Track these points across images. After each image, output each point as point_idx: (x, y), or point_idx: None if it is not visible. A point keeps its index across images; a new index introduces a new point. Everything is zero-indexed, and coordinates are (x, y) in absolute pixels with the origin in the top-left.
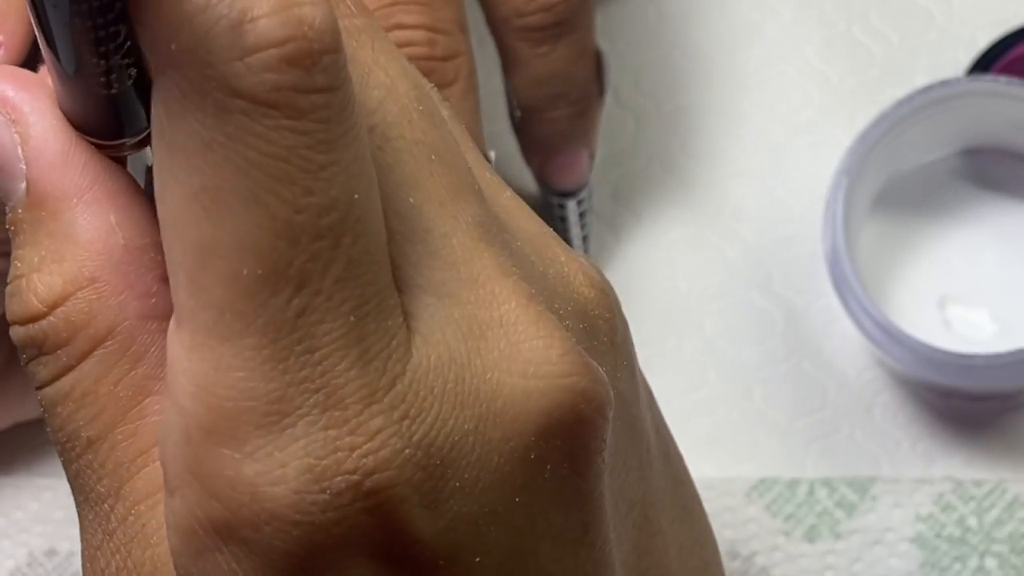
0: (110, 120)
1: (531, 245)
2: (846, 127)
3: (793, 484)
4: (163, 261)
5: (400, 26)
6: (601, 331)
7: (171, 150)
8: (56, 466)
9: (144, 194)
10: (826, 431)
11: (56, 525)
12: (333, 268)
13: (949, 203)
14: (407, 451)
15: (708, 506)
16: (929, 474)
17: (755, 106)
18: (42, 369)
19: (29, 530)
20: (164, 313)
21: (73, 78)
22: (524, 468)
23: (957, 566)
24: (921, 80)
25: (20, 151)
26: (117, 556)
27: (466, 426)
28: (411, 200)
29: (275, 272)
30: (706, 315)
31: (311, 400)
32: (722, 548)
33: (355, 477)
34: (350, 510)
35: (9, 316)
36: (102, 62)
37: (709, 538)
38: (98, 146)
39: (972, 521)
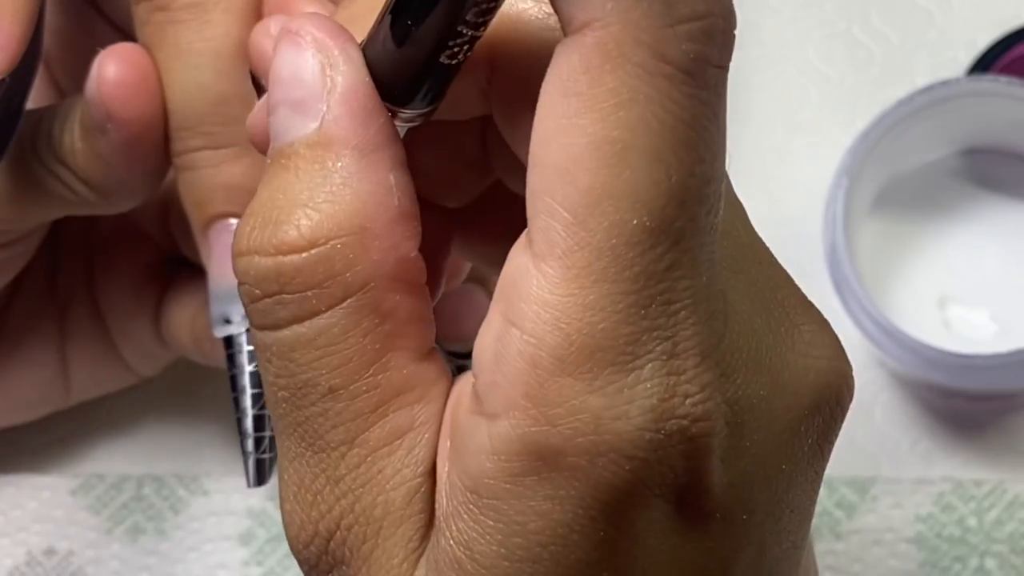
0: (411, 88)
1: None
2: (846, 127)
3: None
4: (419, 233)
5: None
6: None
7: (582, 100)
8: (55, 464)
9: (408, 169)
10: None
11: (55, 524)
12: (702, 232)
13: (949, 203)
14: (723, 405)
15: None
16: (929, 474)
17: (755, 106)
18: (282, 310)
19: (28, 529)
20: (412, 278)
21: (406, 45)
22: (794, 438)
23: (957, 566)
24: (921, 80)
25: (325, 94)
26: (344, 500)
27: (761, 392)
28: None
29: (660, 227)
30: None
31: (660, 347)
32: None
33: (685, 422)
34: (673, 452)
35: (249, 243)
36: (466, 32)
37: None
38: (388, 111)
39: (972, 521)
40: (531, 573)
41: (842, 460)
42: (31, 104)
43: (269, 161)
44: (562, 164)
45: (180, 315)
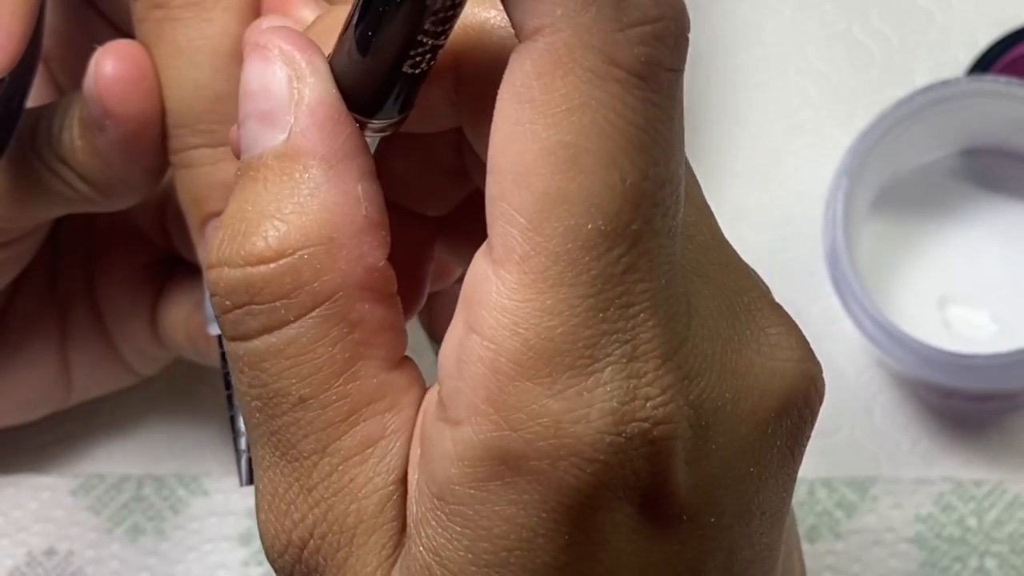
0: (378, 98)
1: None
2: (846, 127)
3: None
4: (389, 242)
5: None
6: None
7: (534, 106)
8: (55, 465)
9: (377, 179)
10: (826, 431)
11: (55, 524)
12: (660, 234)
13: (949, 203)
14: (685, 408)
15: None
16: (929, 474)
17: (755, 106)
18: (252, 320)
19: (28, 529)
20: (381, 288)
21: (369, 55)
22: (761, 441)
23: (957, 566)
24: (921, 80)
25: (292, 106)
26: (317, 509)
27: (726, 394)
28: None
29: (615, 230)
30: None
31: (619, 350)
32: None
33: (646, 425)
34: (635, 454)
35: (220, 255)
36: (427, 41)
37: (799, 546)
38: (357, 121)
39: (972, 521)
40: None
41: (842, 460)
42: (31, 103)
43: (239, 173)
44: (517, 170)
45: (176, 314)
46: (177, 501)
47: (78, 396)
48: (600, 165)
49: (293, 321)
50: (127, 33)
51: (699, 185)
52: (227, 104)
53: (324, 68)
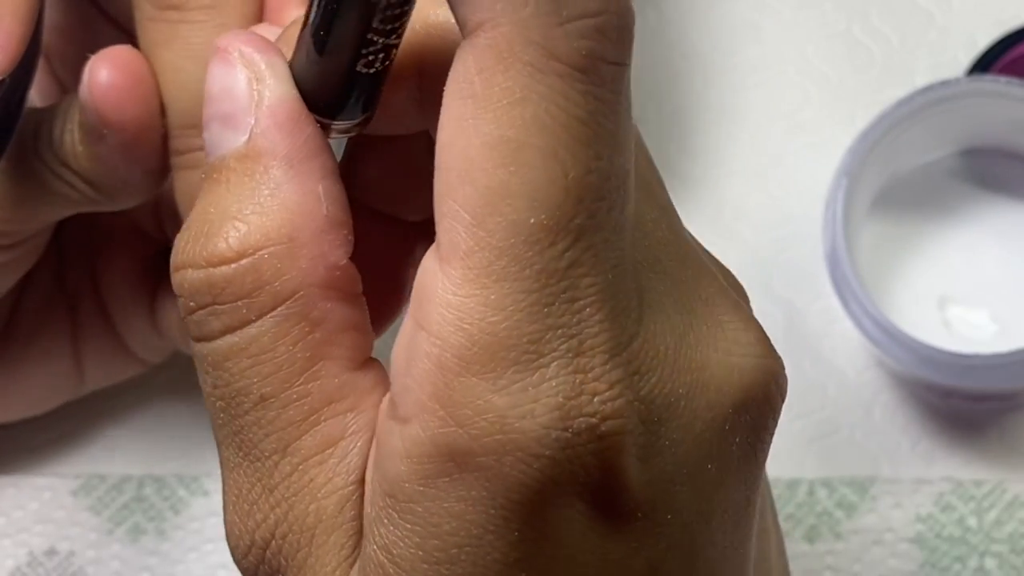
0: (339, 99)
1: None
2: (846, 127)
3: (793, 484)
4: (351, 241)
5: None
6: None
7: (476, 102)
8: (56, 465)
9: (340, 176)
10: (826, 431)
11: (56, 524)
12: (604, 228)
13: (949, 203)
14: (636, 403)
15: None
16: (929, 474)
17: (755, 106)
18: (215, 320)
19: (29, 529)
20: (344, 287)
21: (325, 55)
22: (719, 437)
23: (957, 566)
24: (921, 80)
25: (253, 108)
26: (278, 509)
27: (680, 390)
28: None
29: (558, 224)
30: None
31: (565, 345)
32: None
33: (594, 420)
34: (583, 450)
35: (183, 257)
36: (378, 40)
37: (783, 548)
38: (319, 123)
39: (972, 521)
40: (450, 575)
41: (842, 460)
42: (32, 97)
43: (203, 176)
44: (461, 166)
45: (172, 308)
46: (178, 501)
47: (91, 385)
48: (542, 159)
49: (255, 320)
50: (127, 29)
51: (662, 183)
52: None
53: (284, 70)
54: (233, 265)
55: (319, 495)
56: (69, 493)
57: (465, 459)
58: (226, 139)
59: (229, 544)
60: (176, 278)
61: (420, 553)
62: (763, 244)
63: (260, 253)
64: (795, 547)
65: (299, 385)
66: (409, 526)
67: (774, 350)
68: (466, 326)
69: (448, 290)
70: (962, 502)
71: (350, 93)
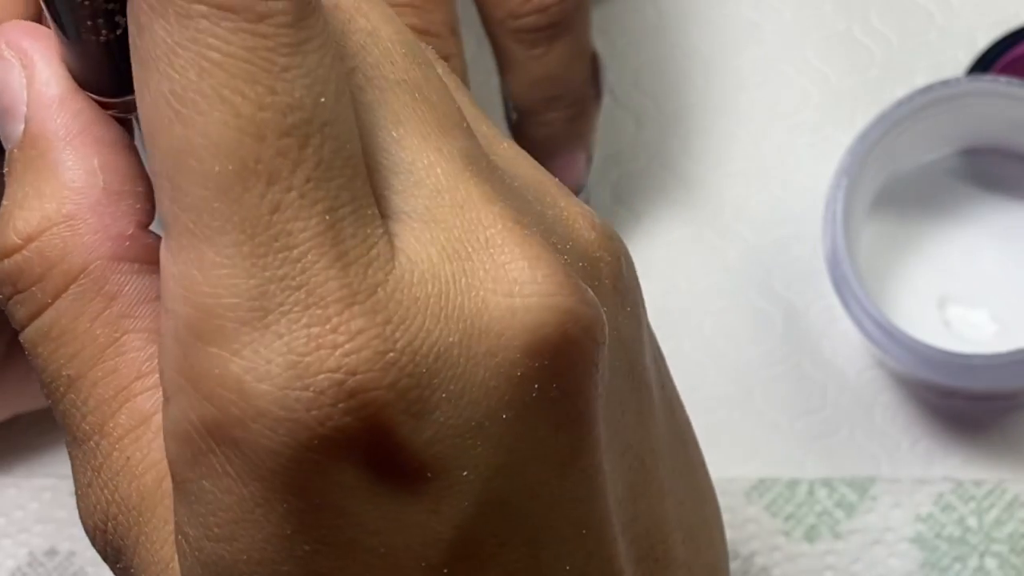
0: (109, 76)
1: (530, 188)
2: (846, 127)
3: (793, 484)
4: (141, 210)
5: None
6: (603, 273)
7: (142, 61)
8: (57, 465)
9: (132, 147)
10: (826, 431)
11: (57, 525)
12: (303, 167)
13: (949, 203)
14: (391, 355)
15: None
16: (929, 474)
17: (755, 106)
18: (20, 309)
19: (30, 530)
20: (138, 257)
21: (74, 37)
22: (510, 384)
23: (957, 566)
24: (921, 80)
25: (25, 94)
26: (105, 491)
27: (451, 339)
28: (394, 134)
29: (244, 167)
30: (706, 315)
31: (292, 298)
32: None
33: (337, 375)
34: (334, 411)
35: None
36: (87, 4)
37: (712, 500)
38: (102, 104)
39: (972, 521)
40: (231, 552)
41: (842, 460)
42: None
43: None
44: (149, 130)
45: None
46: None
47: None
48: (210, 104)
49: (51, 303)
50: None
51: (460, 123)
52: None
53: (51, 52)
54: (24, 252)
55: (138, 472)
56: (69, 493)
57: (220, 433)
58: (11, 131)
59: (85, 532)
60: None
61: (203, 531)
62: (763, 244)
63: (44, 236)
64: (795, 547)
65: (104, 362)
66: (190, 505)
67: (575, 285)
68: (188, 294)
69: (169, 261)
70: (962, 502)
71: (107, 66)
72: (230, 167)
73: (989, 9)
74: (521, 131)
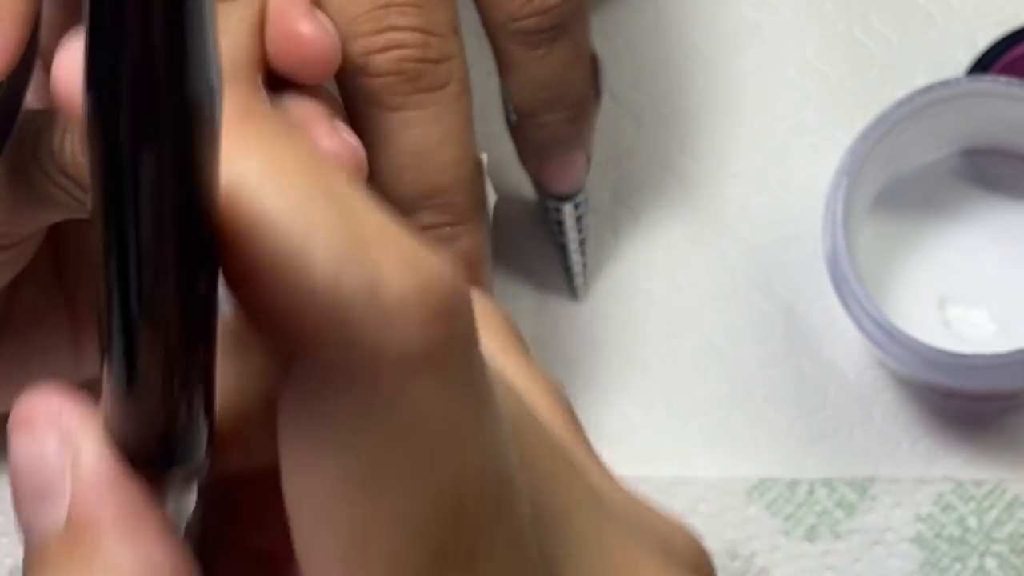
0: (164, 444)
1: (630, 508)
2: (846, 127)
3: (793, 484)
4: None
5: (393, 28)
6: None
7: (312, 439)
8: None
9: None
10: (826, 431)
11: None
12: (497, 540)
13: (949, 203)
14: None
15: (708, 506)
16: (929, 474)
17: (755, 106)
18: None
19: None
20: None
21: (134, 395)
22: None
23: (957, 566)
24: (921, 80)
25: (67, 475)
26: None
27: None
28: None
29: (443, 549)
30: (706, 315)
31: None
32: (722, 548)
33: None
34: None
35: None
36: (182, 370)
37: None
38: (147, 476)
39: (972, 521)
40: None
41: (842, 460)
42: (30, 96)
43: (24, 565)
44: (317, 516)
45: None
46: None
47: (89, 374)
48: (403, 478)
49: None
50: None
51: (582, 466)
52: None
53: (95, 424)
54: None
55: None
56: None
57: None
58: (42, 518)
59: None
60: None
61: None
62: (763, 244)
63: None
64: (795, 547)
65: None
66: None
67: None
68: None
69: None
70: (962, 502)
71: (178, 428)
72: (428, 549)
73: (989, 9)
74: (521, 133)
